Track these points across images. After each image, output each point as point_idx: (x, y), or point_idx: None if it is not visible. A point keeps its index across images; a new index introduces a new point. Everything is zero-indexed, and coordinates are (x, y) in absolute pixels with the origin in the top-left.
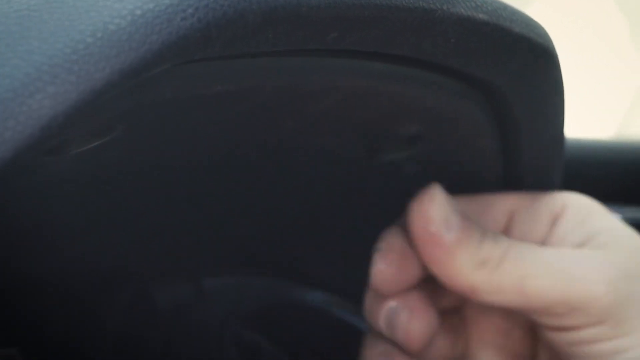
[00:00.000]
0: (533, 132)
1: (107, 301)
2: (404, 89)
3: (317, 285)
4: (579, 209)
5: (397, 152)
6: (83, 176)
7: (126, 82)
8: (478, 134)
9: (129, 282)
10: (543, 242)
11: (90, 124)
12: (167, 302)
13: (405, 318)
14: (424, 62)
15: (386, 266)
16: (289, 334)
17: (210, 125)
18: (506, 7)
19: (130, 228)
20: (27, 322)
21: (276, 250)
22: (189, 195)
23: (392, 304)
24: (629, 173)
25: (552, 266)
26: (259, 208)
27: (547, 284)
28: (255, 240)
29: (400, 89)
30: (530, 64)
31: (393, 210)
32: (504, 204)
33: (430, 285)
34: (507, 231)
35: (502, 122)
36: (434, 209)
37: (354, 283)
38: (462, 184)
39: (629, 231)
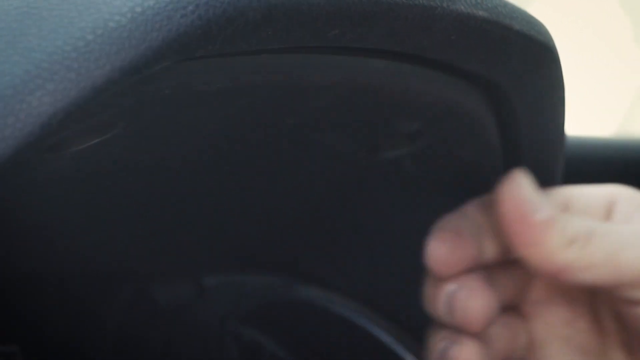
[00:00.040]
0: (533, 129)
1: (107, 299)
2: (404, 86)
3: (318, 282)
4: (630, 201)
5: (397, 148)
6: (83, 174)
7: (126, 79)
8: (478, 131)
9: (129, 280)
10: None
11: (90, 121)
12: (167, 300)
13: (464, 297)
14: (424, 59)
15: (441, 244)
16: (290, 332)
17: (211, 122)
18: (506, 5)
19: (130, 226)
20: (27, 320)
21: (276, 248)
22: (189, 193)
23: (450, 286)
24: (629, 171)
25: None
26: (259, 206)
27: None
28: (256, 238)
29: (400, 86)
30: (531, 60)
31: (393, 207)
32: (559, 195)
33: (488, 278)
34: None
35: (503, 119)
36: (524, 191)
37: (354, 280)
38: (462, 181)
39: None
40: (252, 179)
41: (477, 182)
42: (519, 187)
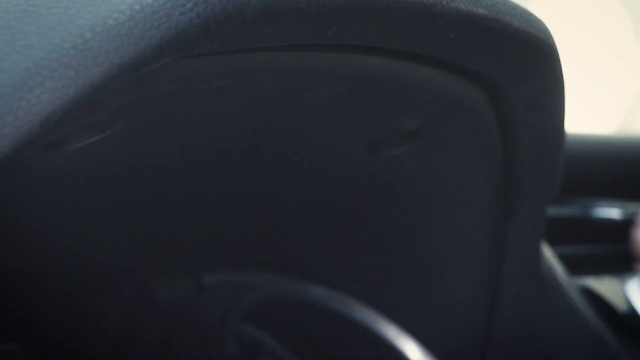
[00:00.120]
0: (533, 127)
1: (107, 298)
2: (403, 84)
3: (318, 280)
4: None
5: (397, 146)
6: (82, 172)
7: (125, 76)
8: (478, 129)
9: (129, 278)
10: None
11: (89, 119)
12: (168, 298)
13: None
14: (423, 57)
15: None
16: (290, 330)
17: (210, 120)
18: (506, 2)
19: (129, 224)
20: (28, 318)
21: (276, 245)
22: (188, 191)
23: None
24: (629, 168)
25: None
26: (258, 203)
27: None
28: (255, 236)
29: (399, 84)
30: (530, 58)
31: (394, 204)
32: None
33: None
34: None
35: (502, 117)
36: None
37: (354, 278)
38: (462, 179)
39: None
40: (252, 176)
41: (477, 179)
42: None
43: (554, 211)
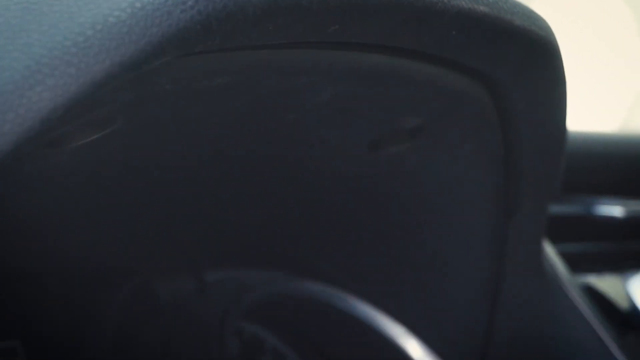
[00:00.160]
0: (534, 124)
1: (108, 295)
2: (404, 81)
3: (319, 278)
4: None
5: (398, 144)
6: (83, 170)
7: (126, 74)
8: (479, 126)
9: (130, 275)
10: None
11: (90, 117)
12: (168, 297)
13: None
14: (425, 55)
15: None
16: (291, 327)
17: (211, 118)
18: (507, 0)
19: (130, 222)
20: (28, 316)
21: (278, 243)
22: (189, 189)
23: None
24: (631, 166)
25: None
26: (259, 201)
27: None
28: (257, 233)
29: (401, 81)
30: (532, 56)
31: (395, 202)
32: None
33: None
34: None
35: (504, 114)
36: None
37: (355, 275)
38: (463, 177)
39: None
40: (253, 174)
41: (478, 177)
42: None
43: (555, 209)
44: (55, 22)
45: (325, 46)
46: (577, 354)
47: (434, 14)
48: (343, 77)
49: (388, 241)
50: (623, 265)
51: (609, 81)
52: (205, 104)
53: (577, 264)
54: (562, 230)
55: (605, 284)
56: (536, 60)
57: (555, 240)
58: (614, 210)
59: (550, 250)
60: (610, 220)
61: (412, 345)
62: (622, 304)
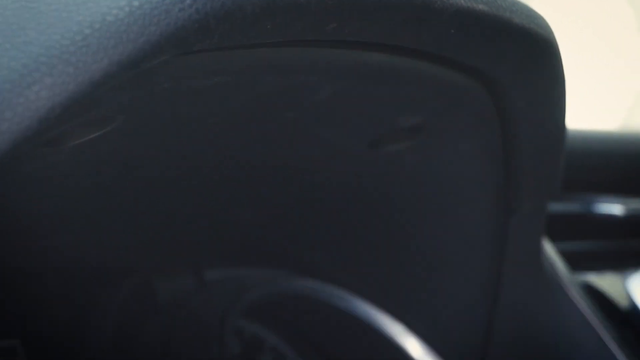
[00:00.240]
0: (534, 123)
1: (108, 294)
2: (403, 80)
3: (319, 277)
4: None
5: (398, 143)
6: (82, 169)
7: (124, 73)
8: (478, 125)
9: (130, 274)
10: None
11: (88, 115)
12: (169, 294)
13: None
14: (423, 53)
15: None
16: (291, 326)
17: (209, 116)
18: None
19: (130, 221)
20: (28, 315)
21: (278, 242)
22: (189, 188)
23: None
24: (631, 164)
25: None
26: (259, 200)
27: None
28: (256, 232)
29: (400, 80)
30: (531, 54)
31: (394, 201)
32: None
33: None
34: None
35: (503, 113)
36: None
37: (355, 274)
38: (463, 175)
39: None
40: (252, 173)
41: (478, 175)
42: None
43: (555, 207)
44: (53, 20)
45: (324, 45)
46: (577, 353)
47: (433, 12)
48: (342, 76)
49: (388, 240)
50: (623, 263)
51: (609, 81)
52: (203, 103)
53: (576, 262)
54: (561, 229)
55: (605, 282)
56: (535, 58)
57: (555, 239)
58: (614, 208)
59: (550, 249)
60: (610, 219)
61: (412, 344)
62: (622, 302)
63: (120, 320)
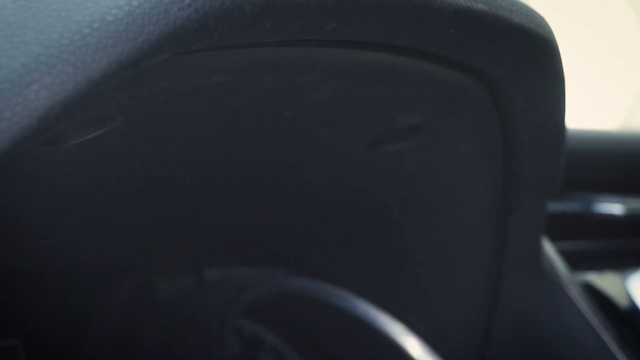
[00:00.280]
0: (534, 122)
1: (108, 293)
2: (403, 79)
3: (318, 276)
4: None
5: (397, 142)
6: (82, 168)
7: (124, 72)
8: (478, 124)
9: (130, 274)
10: None
11: (88, 115)
12: (169, 294)
13: None
14: (423, 53)
15: None
16: (290, 325)
17: (209, 116)
18: None
19: (130, 220)
20: (28, 315)
21: (277, 241)
22: (188, 187)
23: None
24: (631, 164)
25: None
26: (259, 199)
27: None
28: (256, 231)
29: (399, 79)
30: (530, 53)
31: (394, 200)
32: None
33: None
34: None
35: (503, 112)
36: None
37: (355, 273)
38: (462, 175)
39: None
40: (251, 172)
41: (478, 174)
42: None
43: (555, 207)
44: (53, 20)
45: (323, 44)
46: (577, 352)
47: (432, 11)
48: (341, 75)
49: (387, 239)
50: (623, 263)
51: (609, 81)
52: (203, 102)
53: (576, 261)
54: (561, 228)
55: (605, 281)
56: (535, 58)
57: (554, 238)
58: (614, 208)
59: (549, 248)
60: (610, 218)
61: (411, 343)
62: (622, 301)
63: (120, 320)
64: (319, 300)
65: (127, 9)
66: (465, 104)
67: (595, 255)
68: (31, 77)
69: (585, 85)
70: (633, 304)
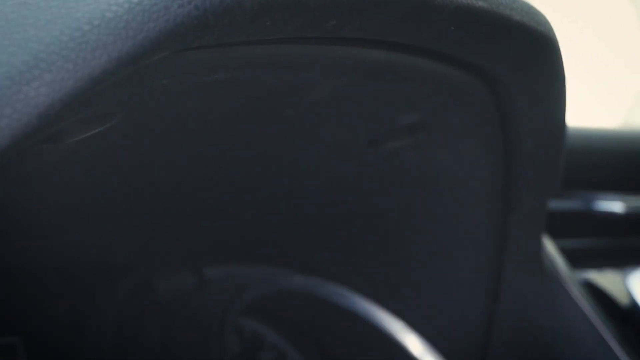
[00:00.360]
0: (534, 120)
1: (108, 292)
2: (403, 77)
3: (319, 274)
4: None
5: (398, 140)
6: (82, 166)
7: (124, 69)
8: (479, 122)
9: (130, 272)
10: None
11: (88, 112)
12: (169, 292)
13: None
14: (423, 50)
15: None
16: (291, 323)
17: (209, 114)
18: None
19: (130, 218)
20: (28, 312)
21: (277, 239)
22: (188, 185)
23: None
24: (631, 162)
25: None
26: (259, 197)
27: None
28: (257, 229)
29: (399, 77)
30: (531, 51)
31: (394, 198)
32: None
33: None
34: None
35: (503, 110)
36: None
37: (355, 271)
38: (463, 173)
39: None
40: (251, 170)
41: (478, 174)
42: None
43: (555, 205)
44: (52, 17)
45: (324, 41)
46: (577, 350)
47: (433, 9)
48: (341, 73)
49: (388, 238)
50: (623, 261)
51: (609, 81)
52: (203, 100)
53: (577, 259)
54: (562, 226)
55: (605, 279)
56: (535, 55)
57: (555, 236)
58: (614, 206)
59: (550, 246)
60: (610, 216)
61: (412, 341)
62: (622, 299)
63: (120, 318)
64: (319, 298)
65: (127, 6)
66: (465, 102)
67: (596, 253)
68: (31, 74)
69: (586, 85)
70: (633, 302)
